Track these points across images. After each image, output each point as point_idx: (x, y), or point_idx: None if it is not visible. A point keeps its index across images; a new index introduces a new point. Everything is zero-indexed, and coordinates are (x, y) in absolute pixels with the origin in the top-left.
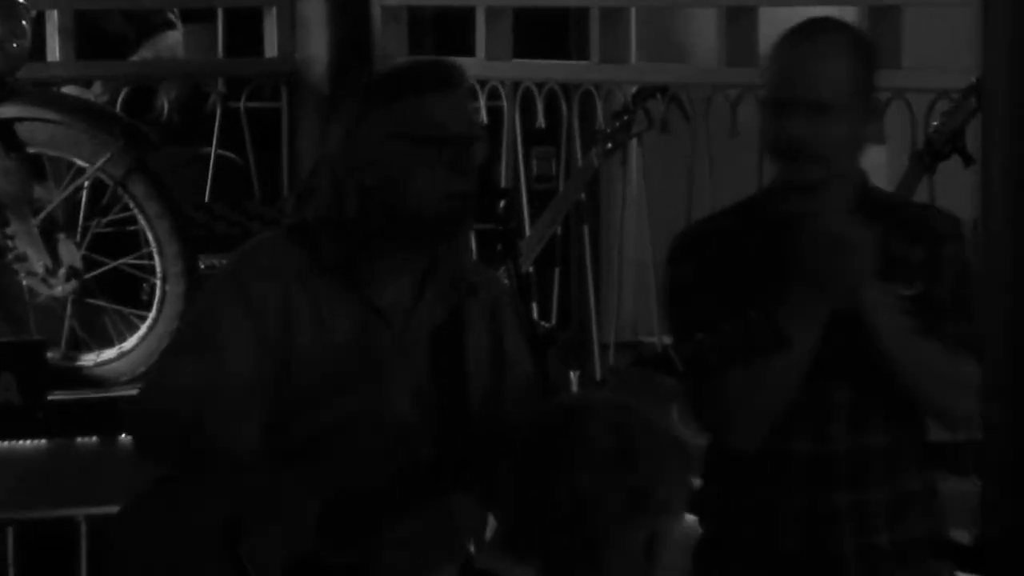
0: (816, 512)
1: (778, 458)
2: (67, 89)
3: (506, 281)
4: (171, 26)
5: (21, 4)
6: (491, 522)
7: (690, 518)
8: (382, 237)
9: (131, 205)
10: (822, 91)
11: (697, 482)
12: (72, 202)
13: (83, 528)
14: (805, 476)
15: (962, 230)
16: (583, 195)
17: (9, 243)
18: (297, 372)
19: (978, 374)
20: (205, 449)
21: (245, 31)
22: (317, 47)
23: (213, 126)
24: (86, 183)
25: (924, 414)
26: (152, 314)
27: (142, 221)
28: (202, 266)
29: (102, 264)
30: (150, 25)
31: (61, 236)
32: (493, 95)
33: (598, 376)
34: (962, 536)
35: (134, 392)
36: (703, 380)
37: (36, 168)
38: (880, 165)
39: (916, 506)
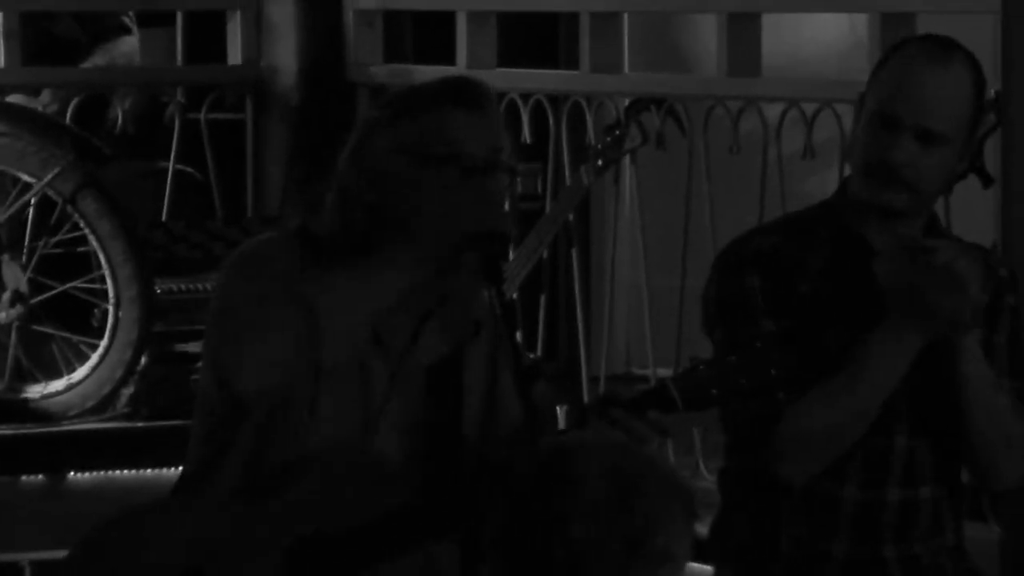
0: (859, 562)
1: (824, 501)
2: (12, 98)
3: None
4: (126, 30)
5: None
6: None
7: (695, 567)
8: (390, 258)
9: (81, 224)
10: (940, 122)
11: (701, 528)
12: (18, 221)
13: (27, 574)
14: (851, 524)
15: (1018, 281)
16: (572, 216)
17: None
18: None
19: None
20: None
21: (207, 36)
22: (285, 54)
23: (171, 139)
24: (33, 200)
25: (973, 469)
26: (104, 342)
27: (93, 241)
28: (158, 290)
29: (50, 288)
30: (104, 29)
31: (5, 257)
32: None
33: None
34: None
35: None
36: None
37: None
38: None
39: (953, 563)
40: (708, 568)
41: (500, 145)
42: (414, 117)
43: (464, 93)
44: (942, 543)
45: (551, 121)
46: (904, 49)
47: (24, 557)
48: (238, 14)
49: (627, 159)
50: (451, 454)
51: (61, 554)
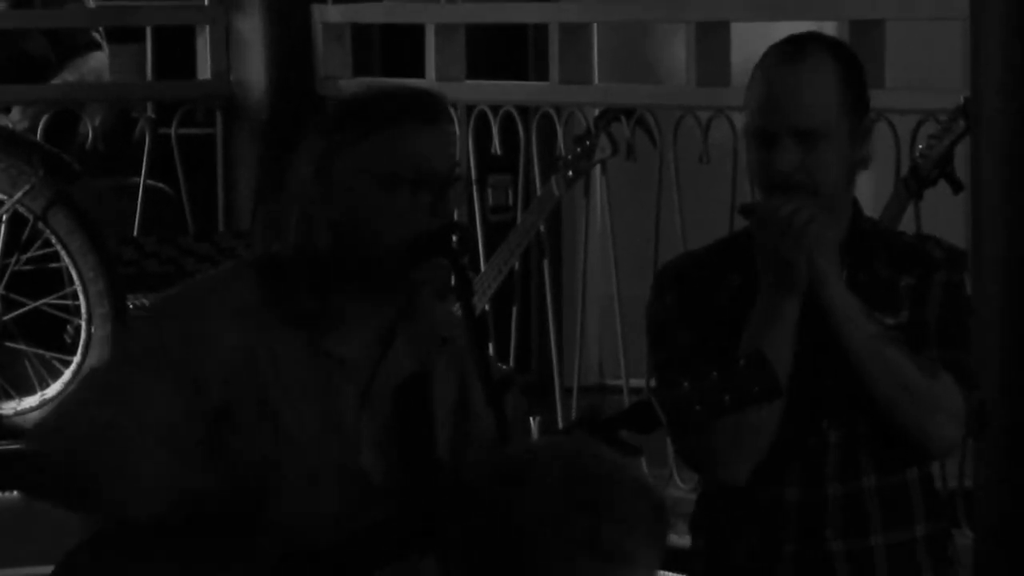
0: (808, 561)
1: (769, 506)
2: None
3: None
4: (96, 46)
5: None
6: None
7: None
8: (353, 278)
9: (53, 240)
10: (810, 118)
11: (679, 539)
12: None
13: None
14: (797, 523)
15: (961, 260)
16: (543, 227)
17: None
18: (248, 421)
19: (958, 399)
20: (94, 502)
21: (176, 51)
22: (254, 69)
23: (142, 154)
24: (4, 217)
25: (906, 440)
26: (76, 358)
27: (65, 258)
28: (131, 306)
29: (22, 304)
30: (73, 46)
31: None
32: None
33: (559, 424)
34: None
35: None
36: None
37: None
38: (863, 191)
39: (920, 555)
40: None
41: (457, 158)
42: (380, 138)
43: (427, 109)
44: (911, 534)
45: (521, 132)
46: (762, 59)
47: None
48: (207, 29)
49: (597, 169)
50: (426, 468)
51: (36, 571)
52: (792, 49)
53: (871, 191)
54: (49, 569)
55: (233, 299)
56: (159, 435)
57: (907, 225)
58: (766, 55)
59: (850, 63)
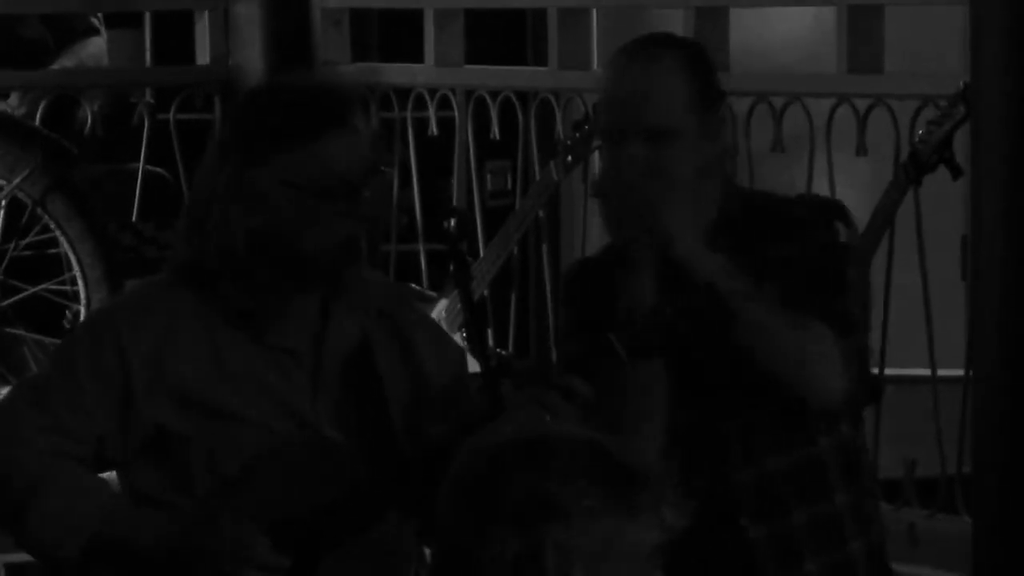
0: (728, 550)
1: (685, 495)
2: None
3: (458, 305)
4: (94, 32)
5: None
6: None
7: None
8: (274, 279)
9: (51, 226)
10: (660, 116)
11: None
12: None
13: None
14: (709, 510)
15: (834, 210)
16: (542, 212)
17: None
18: (201, 424)
19: (832, 347)
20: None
21: (175, 37)
22: (252, 54)
23: (140, 140)
24: (2, 202)
25: (788, 392)
26: None
27: (63, 243)
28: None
29: (20, 290)
30: (71, 31)
31: None
32: (444, 104)
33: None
34: None
35: None
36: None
37: None
38: (862, 177)
39: (846, 523)
40: None
41: (370, 155)
42: (297, 152)
43: (341, 116)
44: (831, 505)
45: (520, 118)
46: (610, 60)
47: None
48: (206, 15)
49: (596, 155)
50: (385, 437)
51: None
52: (638, 49)
53: (870, 177)
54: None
55: (170, 308)
56: (88, 451)
57: (907, 209)
58: (614, 55)
59: (697, 59)
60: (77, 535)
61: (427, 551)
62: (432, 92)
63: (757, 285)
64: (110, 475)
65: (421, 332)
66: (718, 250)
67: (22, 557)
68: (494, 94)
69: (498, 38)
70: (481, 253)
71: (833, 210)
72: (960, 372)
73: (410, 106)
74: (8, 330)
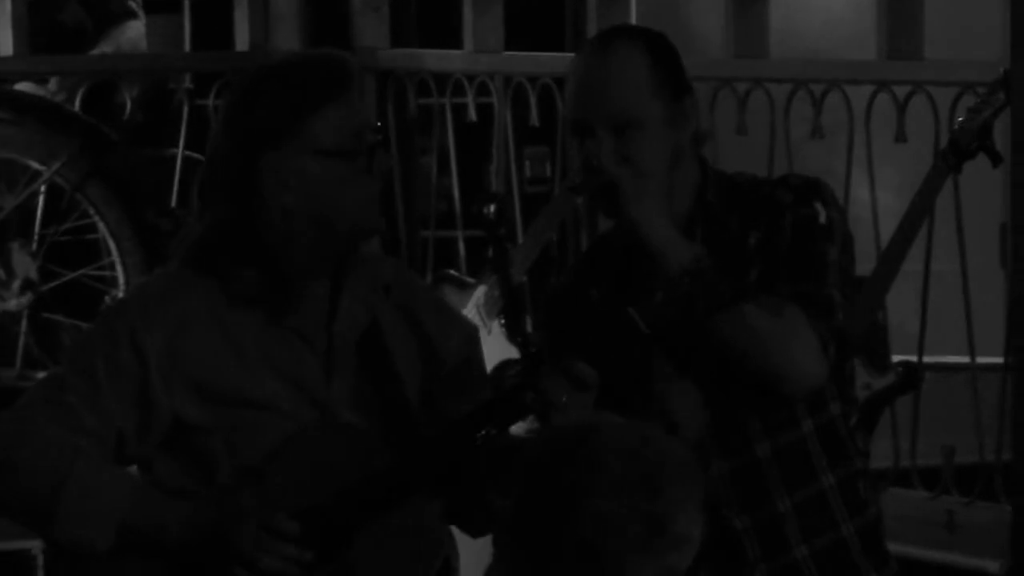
0: (716, 542)
1: None
2: (20, 86)
3: (496, 292)
4: (133, 16)
5: None
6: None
7: None
8: (304, 256)
9: (90, 211)
10: (625, 108)
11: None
12: (26, 209)
13: (39, 560)
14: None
15: (812, 191)
16: (580, 199)
17: None
18: (220, 413)
19: (808, 331)
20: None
21: (214, 22)
22: (291, 39)
23: (179, 125)
24: (41, 188)
25: (763, 382)
26: None
27: (102, 229)
28: None
29: (60, 275)
30: (110, 16)
31: (15, 245)
32: (482, 90)
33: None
34: (992, 566)
35: None
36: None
37: None
38: (901, 164)
39: (833, 505)
40: None
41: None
42: (319, 119)
43: (345, 74)
44: (818, 487)
45: (558, 104)
46: (576, 52)
47: (35, 544)
48: (244, 0)
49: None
50: (402, 415)
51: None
52: (601, 42)
53: (910, 164)
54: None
55: (182, 298)
56: (109, 447)
57: (946, 196)
58: (579, 49)
59: (660, 49)
60: (106, 530)
61: (454, 531)
62: (471, 78)
63: (736, 271)
64: (132, 469)
65: (429, 308)
66: (695, 237)
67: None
68: (533, 80)
69: (537, 24)
70: (520, 239)
71: (813, 190)
72: (999, 359)
73: (449, 92)
74: (48, 315)
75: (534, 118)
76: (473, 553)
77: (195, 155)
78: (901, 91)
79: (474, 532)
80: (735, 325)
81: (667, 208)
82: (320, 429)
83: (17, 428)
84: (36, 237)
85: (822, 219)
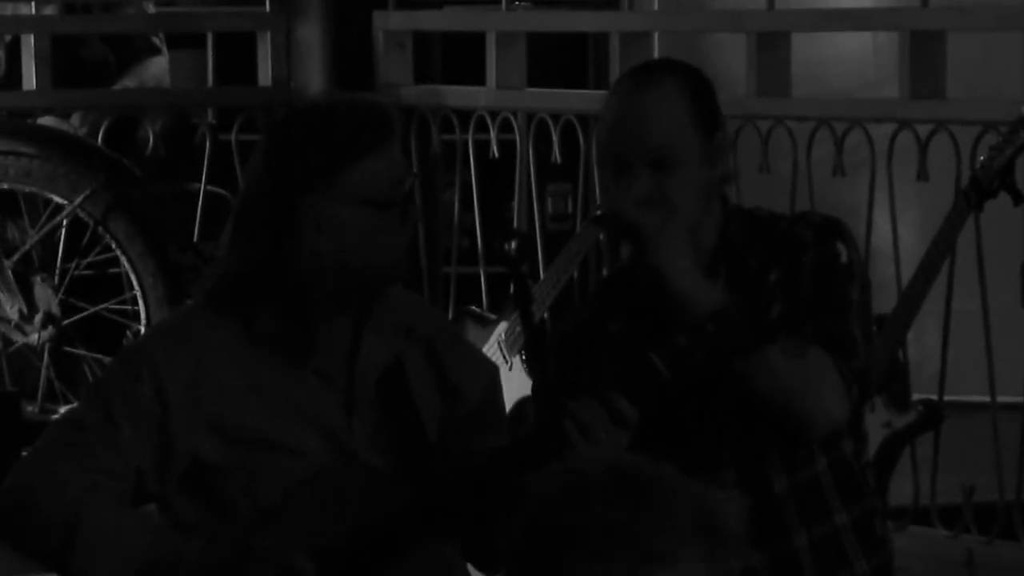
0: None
1: None
2: (44, 120)
3: (517, 328)
4: (156, 52)
5: None
6: None
7: None
8: (329, 299)
9: (113, 246)
10: (665, 146)
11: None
12: (49, 242)
13: None
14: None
15: (833, 229)
16: (602, 235)
17: None
18: (240, 454)
19: (832, 372)
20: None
21: (237, 57)
22: (315, 75)
23: (202, 160)
24: (64, 222)
25: (788, 423)
26: None
27: (124, 263)
28: None
29: (81, 309)
30: (133, 51)
31: (37, 279)
32: (505, 127)
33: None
34: None
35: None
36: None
37: (10, 205)
38: (923, 203)
39: (847, 543)
40: None
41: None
42: (358, 168)
43: (385, 123)
44: (831, 525)
45: (581, 141)
46: (614, 86)
47: None
48: (268, 35)
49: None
50: (421, 455)
51: None
52: (641, 76)
53: (931, 203)
54: None
55: (204, 336)
56: (127, 486)
57: (967, 235)
58: (618, 81)
59: (699, 86)
60: (122, 569)
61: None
62: (494, 115)
63: (757, 308)
64: (150, 507)
65: (452, 349)
66: (718, 275)
67: None
68: (555, 117)
69: (560, 61)
70: (541, 276)
71: (835, 229)
72: (1020, 399)
73: (472, 129)
74: (68, 349)
75: (556, 155)
76: None
77: (217, 190)
78: (923, 130)
79: (487, 569)
80: (759, 370)
81: (690, 251)
82: (338, 469)
83: (35, 467)
84: (58, 271)
85: (844, 258)
